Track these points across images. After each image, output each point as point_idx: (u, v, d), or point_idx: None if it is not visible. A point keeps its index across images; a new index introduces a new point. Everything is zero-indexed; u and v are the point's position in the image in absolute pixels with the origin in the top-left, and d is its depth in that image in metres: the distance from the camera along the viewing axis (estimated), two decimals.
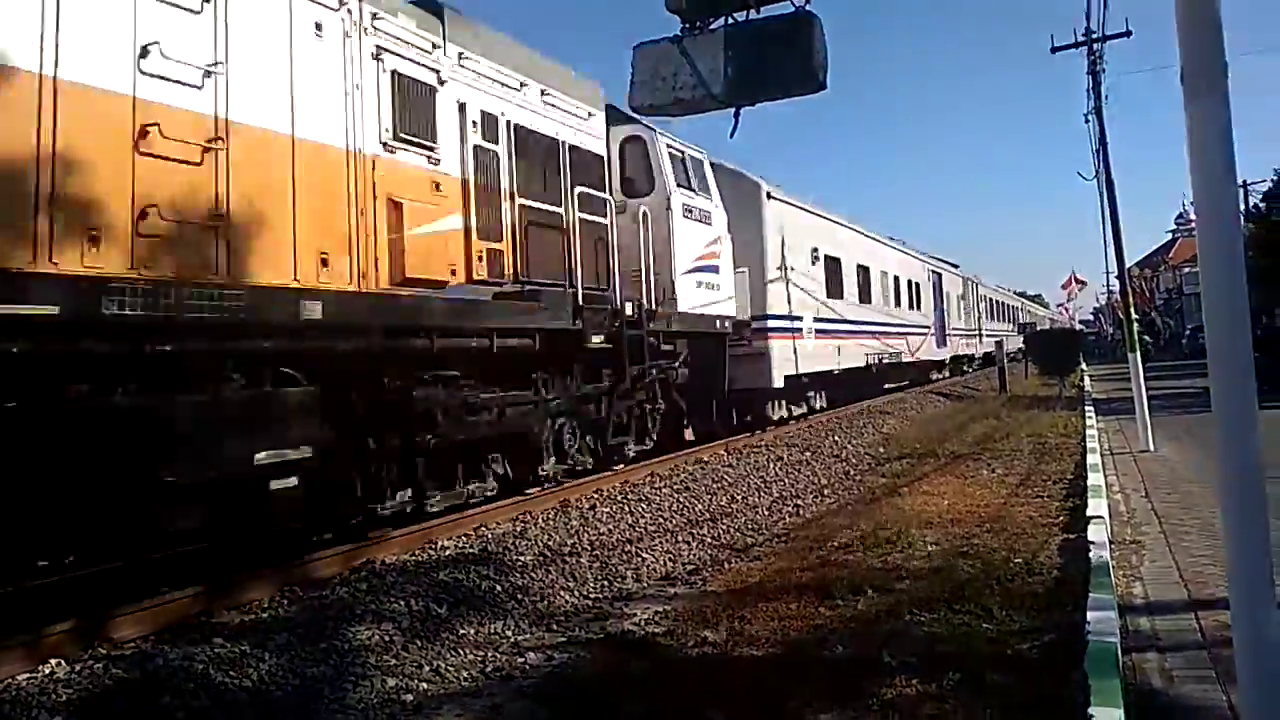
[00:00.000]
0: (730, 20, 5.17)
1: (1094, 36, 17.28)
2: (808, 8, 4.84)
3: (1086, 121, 18.30)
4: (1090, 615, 4.79)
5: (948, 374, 34.02)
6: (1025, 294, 79.35)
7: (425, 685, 4.82)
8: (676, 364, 11.92)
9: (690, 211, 12.63)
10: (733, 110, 5.34)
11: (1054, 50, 18.30)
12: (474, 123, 8.49)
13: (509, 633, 5.70)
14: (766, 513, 9.39)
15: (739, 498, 10.03)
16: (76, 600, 5.69)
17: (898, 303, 25.51)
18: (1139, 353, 14.45)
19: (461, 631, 5.62)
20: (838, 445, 14.27)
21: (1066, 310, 56.61)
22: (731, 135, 5.51)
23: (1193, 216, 3.07)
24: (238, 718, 4.32)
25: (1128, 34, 17.56)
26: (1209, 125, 2.87)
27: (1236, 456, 2.84)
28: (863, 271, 21.85)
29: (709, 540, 8.16)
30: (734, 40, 5.12)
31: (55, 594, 5.93)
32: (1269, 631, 2.77)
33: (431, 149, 7.89)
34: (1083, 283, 50.40)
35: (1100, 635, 4.45)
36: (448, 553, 7.13)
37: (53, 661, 4.72)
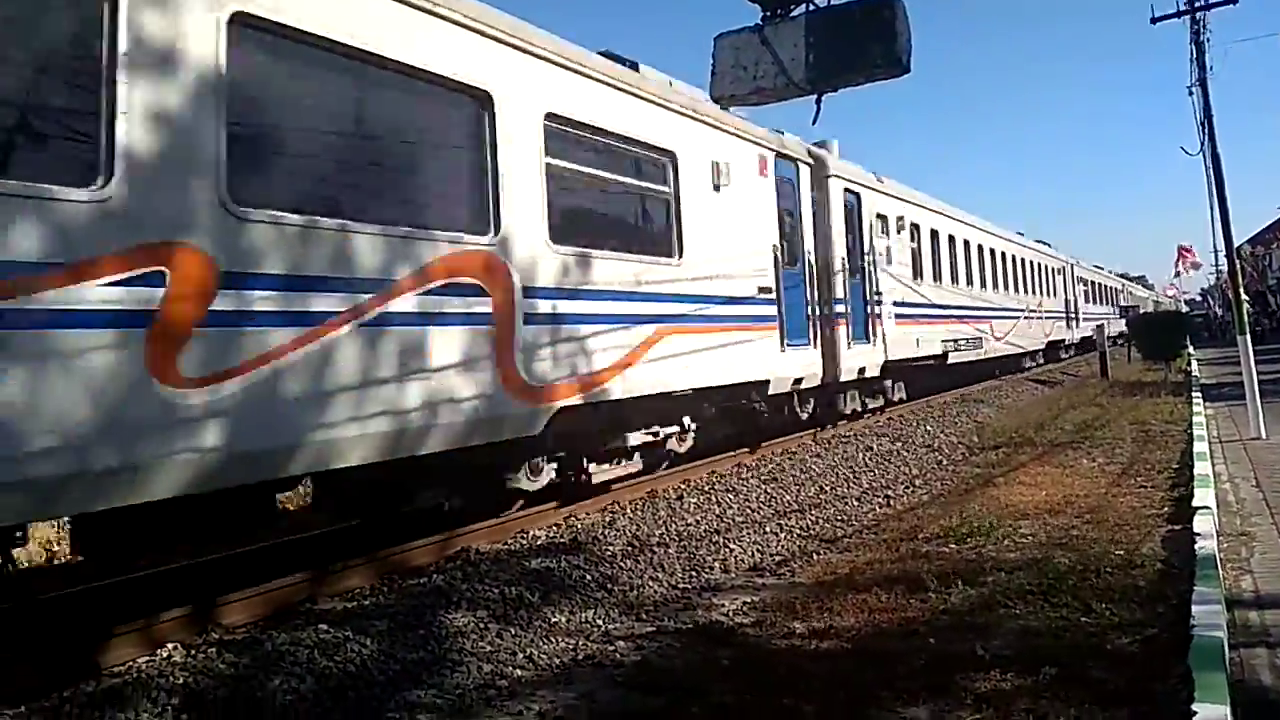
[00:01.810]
0: (811, 6, 5.13)
1: (1196, 5, 16.51)
2: None
3: (1190, 94, 17.51)
4: (1195, 609, 4.64)
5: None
6: (1127, 275, 76.52)
7: (519, 672, 4.93)
8: None
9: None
10: (815, 97, 5.31)
11: (1154, 21, 17.50)
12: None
13: (600, 621, 5.79)
14: (856, 504, 9.29)
15: (828, 488, 9.94)
16: (191, 586, 6.00)
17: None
18: (1249, 335, 13.80)
19: (553, 619, 5.73)
20: (929, 435, 14.00)
21: (1171, 289, 54.74)
22: (814, 122, 5.49)
23: None
24: (341, 701, 4.50)
25: (1233, 1, 16.71)
26: None
27: None
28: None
29: (797, 531, 8.12)
30: (815, 26, 5.08)
31: (171, 580, 6.27)
32: None
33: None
34: (1193, 260, 48.37)
35: (1206, 629, 4.31)
36: (539, 542, 7.27)
37: (169, 645, 5.01)
